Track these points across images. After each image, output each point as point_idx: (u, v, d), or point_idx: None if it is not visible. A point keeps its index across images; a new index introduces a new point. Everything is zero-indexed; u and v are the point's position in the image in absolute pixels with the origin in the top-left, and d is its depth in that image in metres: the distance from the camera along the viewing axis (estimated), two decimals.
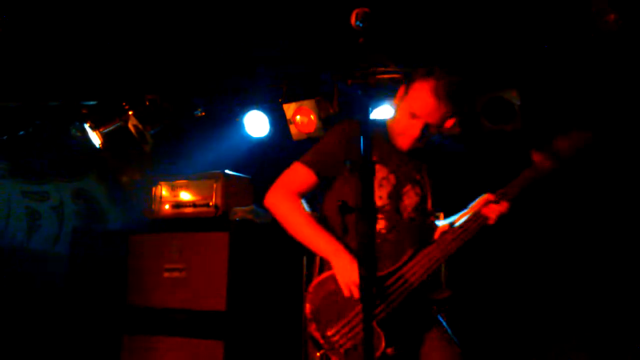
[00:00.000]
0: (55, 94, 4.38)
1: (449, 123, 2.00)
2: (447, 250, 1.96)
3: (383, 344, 1.86)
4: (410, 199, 2.08)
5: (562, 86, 3.29)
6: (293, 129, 3.84)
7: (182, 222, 3.49)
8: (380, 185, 2.04)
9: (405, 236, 2.02)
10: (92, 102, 4.28)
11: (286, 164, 2.16)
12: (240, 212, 3.37)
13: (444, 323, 2.08)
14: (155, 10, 3.22)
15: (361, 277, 1.26)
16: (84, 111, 4.28)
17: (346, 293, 1.89)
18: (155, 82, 4.22)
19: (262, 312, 3.32)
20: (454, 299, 2.00)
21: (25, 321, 4.10)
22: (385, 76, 3.37)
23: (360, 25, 1.51)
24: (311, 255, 2.05)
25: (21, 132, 4.50)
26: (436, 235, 2.07)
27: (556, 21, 3.03)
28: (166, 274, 3.38)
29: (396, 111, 2.06)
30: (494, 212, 1.98)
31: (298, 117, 3.75)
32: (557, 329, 3.20)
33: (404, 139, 2.03)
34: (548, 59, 3.24)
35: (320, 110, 3.68)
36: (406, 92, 1.99)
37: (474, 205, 2.03)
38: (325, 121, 3.66)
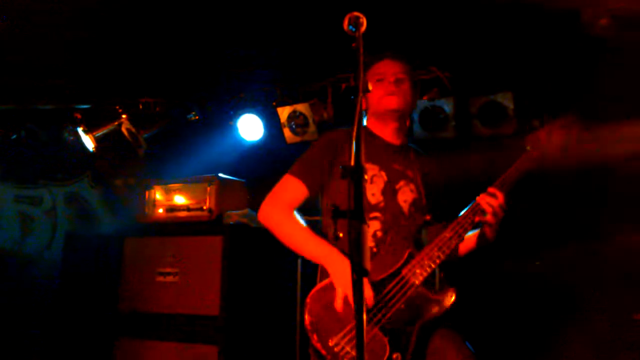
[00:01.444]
0: (49, 98, 4.37)
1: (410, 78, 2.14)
2: (447, 247, 1.94)
3: (388, 350, 1.83)
4: (405, 195, 2.08)
5: (555, 89, 3.30)
6: (287, 133, 3.84)
7: (176, 226, 3.47)
8: (372, 182, 2.05)
9: (402, 236, 2.00)
10: (85, 106, 4.27)
11: (280, 167, 2.16)
12: (234, 215, 3.36)
13: (448, 322, 2.02)
14: (149, 14, 3.21)
15: (353, 281, 1.26)
16: (78, 115, 4.27)
17: (341, 299, 1.85)
18: (149, 86, 4.21)
19: (256, 316, 3.30)
20: (457, 297, 1.94)
21: (17, 325, 4.07)
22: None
23: (353, 29, 1.51)
24: (305, 258, 2.04)
25: (14, 136, 4.49)
26: (435, 234, 2.04)
27: (549, 25, 3.05)
28: (160, 278, 3.36)
29: (369, 103, 2.18)
30: (491, 204, 1.96)
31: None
32: (558, 327, 3.17)
33: (387, 109, 2.11)
34: (542, 62, 3.26)
35: (314, 114, 3.68)
36: (367, 78, 2.11)
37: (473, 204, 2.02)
38: (320, 125, 3.66)
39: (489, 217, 1.97)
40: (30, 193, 4.69)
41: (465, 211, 2.00)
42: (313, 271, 2.16)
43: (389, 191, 2.06)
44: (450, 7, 2.98)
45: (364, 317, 1.26)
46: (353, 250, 1.32)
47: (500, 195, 1.96)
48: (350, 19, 1.50)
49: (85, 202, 4.67)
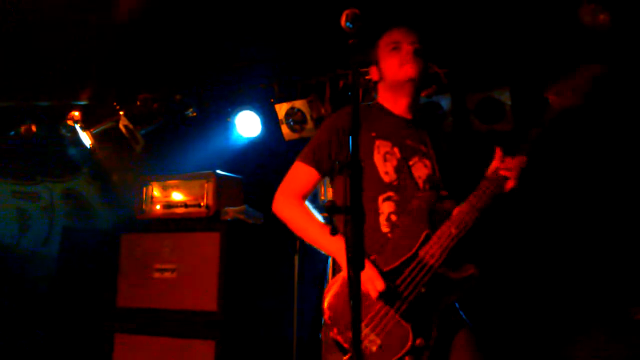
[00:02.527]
0: (46, 94, 4.36)
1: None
2: (464, 224, 1.88)
3: (411, 337, 1.81)
4: (419, 171, 2.03)
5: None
6: (285, 129, 3.84)
7: (173, 222, 3.48)
8: (385, 160, 2.01)
9: (418, 216, 1.95)
10: (82, 102, 4.26)
11: (278, 164, 2.16)
12: (231, 212, 3.36)
13: (460, 311, 2.01)
14: (147, 10, 3.21)
15: (349, 277, 1.26)
16: (75, 112, 4.26)
17: (364, 292, 1.81)
18: (146, 82, 4.20)
19: (254, 312, 3.31)
20: (478, 276, 1.90)
21: (15, 321, 4.07)
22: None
23: (350, 26, 1.51)
24: (302, 254, 2.04)
25: (11, 132, 4.48)
26: (451, 210, 1.99)
27: (547, 19, 3.05)
28: (157, 274, 3.37)
29: (381, 75, 2.13)
30: (512, 168, 1.90)
31: None
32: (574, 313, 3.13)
33: (398, 72, 2.06)
34: (540, 58, 3.26)
35: (312, 110, 3.68)
36: (378, 48, 2.13)
37: (489, 169, 1.96)
38: (318, 121, 3.66)
39: (511, 184, 1.91)
40: (27, 189, 4.68)
41: (484, 180, 1.94)
42: (309, 267, 2.16)
43: (403, 168, 2.01)
44: (447, 3, 2.98)
45: (359, 314, 1.27)
46: (349, 248, 1.32)
47: (522, 158, 1.91)
48: (347, 16, 1.50)
49: (83, 198, 4.67)
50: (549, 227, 3.26)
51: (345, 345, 1.84)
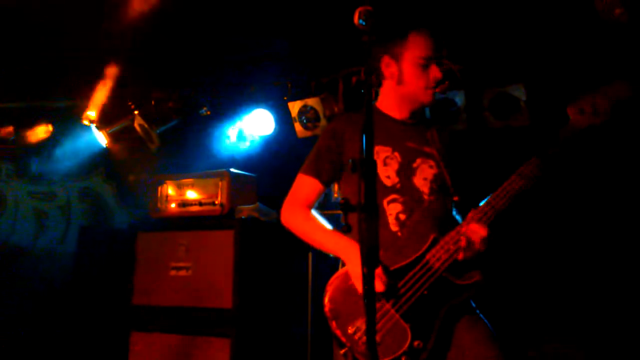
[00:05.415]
0: (62, 94, 4.41)
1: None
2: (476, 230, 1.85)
3: (409, 337, 1.81)
4: (424, 172, 2.00)
5: (569, 80, 3.26)
6: (298, 127, 3.84)
7: (188, 220, 3.50)
8: (385, 164, 1.99)
9: (427, 218, 1.94)
10: (97, 102, 4.30)
11: (291, 162, 2.17)
12: (245, 210, 3.37)
13: (475, 308, 1.98)
14: (160, 10, 3.23)
15: (363, 275, 1.26)
16: (91, 111, 4.31)
17: (359, 288, 1.84)
18: (160, 82, 4.23)
19: (269, 309, 3.32)
20: (483, 284, 1.89)
21: (32, 319, 4.13)
22: None
23: (363, 23, 1.50)
24: (317, 250, 2.05)
25: (26, 133, 4.54)
26: (462, 216, 1.98)
27: (562, 14, 3.01)
28: (173, 272, 3.39)
29: (399, 80, 2.05)
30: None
31: None
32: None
33: (421, 93, 2.02)
34: (555, 53, 3.22)
35: (325, 108, 3.68)
36: (404, 49, 2.02)
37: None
38: (330, 119, 3.65)
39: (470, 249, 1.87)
40: (44, 189, 4.75)
41: (490, 198, 1.91)
42: (324, 264, 2.16)
43: (406, 171, 1.99)
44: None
45: (373, 311, 1.26)
46: (363, 245, 1.32)
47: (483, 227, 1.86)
48: (360, 13, 1.50)
49: (99, 197, 4.72)
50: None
51: (343, 339, 1.86)
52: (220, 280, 3.21)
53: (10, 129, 4.45)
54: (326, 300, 1.92)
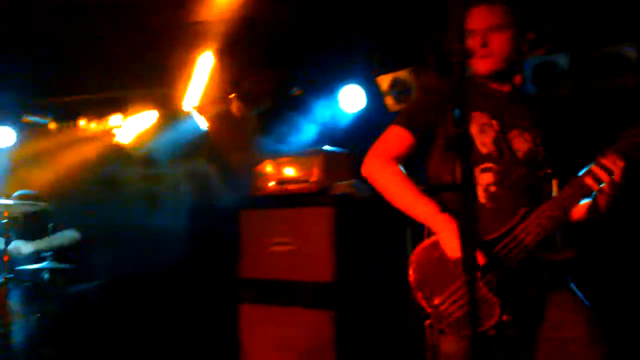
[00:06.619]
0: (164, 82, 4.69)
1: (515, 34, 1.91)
2: (564, 207, 1.78)
3: (498, 311, 1.78)
4: (519, 144, 1.93)
5: None
6: (389, 101, 3.83)
7: (286, 198, 3.62)
8: (482, 132, 1.93)
9: (517, 191, 1.88)
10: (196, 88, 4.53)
11: None
12: (341, 186, 3.45)
13: (573, 286, 1.91)
14: None
15: (463, 258, 1.26)
16: (190, 96, 4.56)
17: (449, 259, 1.81)
18: (254, 65, 4.37)
19: (368, 282, 3.40)
20: (576, 260, 1.81)
21: (150, 292, 4.50)
22: None
23: None
24: (416, 225, 2.02)
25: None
26: (554, 191, 1.90)
27: None
28: (274, 248, 3.55)
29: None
30: (608, 170, 1.72)
31: None
32: None
33: (478, 74, 1.95)
34: None
35: (416, 80, 3.63)
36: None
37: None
38: (422, 91, 3.60)
39: (605, 187, 1.77)
40: (154, 171, 5.12)
41: (584, 172, 1.81)
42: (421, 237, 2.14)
43: (501, 141, 1.92)
44: None
45: (474, 288, 1.27)
46: (461, 226, 1.31)
47: (618, 163, 1.73)
48: None
49: (204, 178, 5.00)
50: None
51: (429, 310, 1.84)
52: (319, 255, 3.33)
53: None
54: (411, 270, 1.89)
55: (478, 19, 1.92)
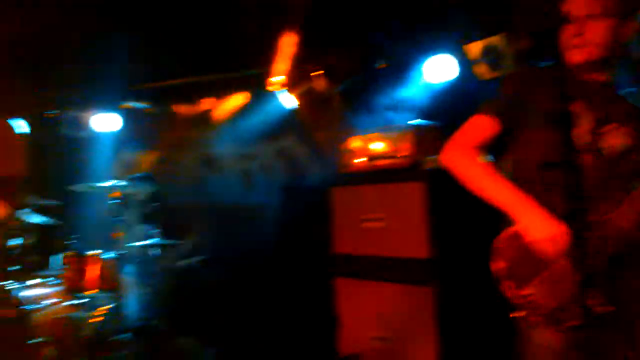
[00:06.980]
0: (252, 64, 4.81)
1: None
2: None
3: (594, 302, 1.72)
4: (614, 139, 1.83)
5: None
6: (479, 69, 3.68)
7: (376, 174, 3.61)
8: (577, 122, 1.83)
9: (611, 182, 1.80)
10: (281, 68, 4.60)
11: (474, 108, 2.04)
12: (432, 161, 3.38)
13: None
14: None
15: (574, 240, 1.21)
16: (278, 76, 4.64)
17: (545, 248, 1.75)
18: (337, 42, 4.36)
19: (467, 258, 3.33)
20: None
21: (248, 268, 4.70)
22: None
23: None
24: None
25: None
26: None
27: None
28: (367, 224, 3.57)
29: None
30: None
31: None
32: None
33: (570, 64, 1.84)
34: None
35: (510, 46, 3.45)
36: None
37: None
38: (517, 57, 3.43)
39: None
40: (248, 151, 5.31)
41: None
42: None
43: (597, 132, 1.83)
44: None
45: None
46: (565, 206, 1.26)
47: None
48: None
49: (294, 156, 5.11)
50: None
51: (520, 301, 1.79)
52: (412, 231, 3.30)
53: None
54: (499, 259, 1.85)
55: (576, 4, 1.80)
